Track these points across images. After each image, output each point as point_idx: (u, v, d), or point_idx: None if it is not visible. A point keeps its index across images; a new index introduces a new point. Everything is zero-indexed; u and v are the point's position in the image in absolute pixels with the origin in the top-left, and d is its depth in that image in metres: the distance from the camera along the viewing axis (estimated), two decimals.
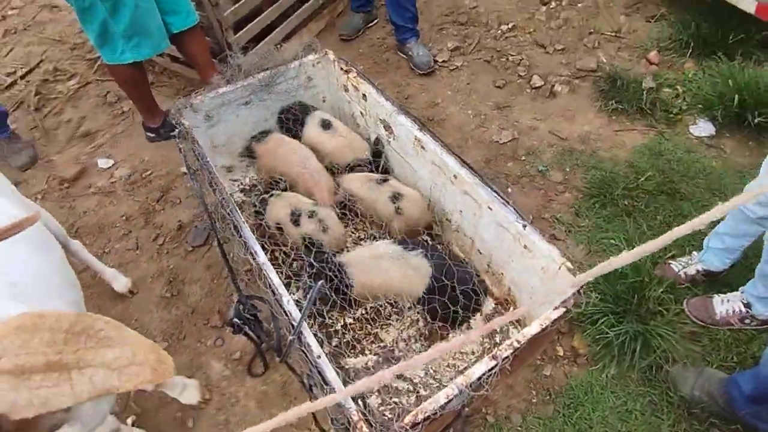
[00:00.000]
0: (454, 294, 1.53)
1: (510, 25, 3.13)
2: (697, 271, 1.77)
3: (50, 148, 2.72)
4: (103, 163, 2.58)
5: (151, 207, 2.34)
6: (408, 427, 1.08)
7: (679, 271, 1.79)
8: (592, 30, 3.03)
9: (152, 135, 2.61)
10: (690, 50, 2.69)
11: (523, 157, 2.37)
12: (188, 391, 1.66)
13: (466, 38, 3.10)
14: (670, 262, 1.83)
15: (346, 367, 1.69)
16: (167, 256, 2.14)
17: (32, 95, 2.99)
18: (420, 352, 1.68)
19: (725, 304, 1.64)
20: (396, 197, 1.78)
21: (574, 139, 2.42)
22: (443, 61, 2.96)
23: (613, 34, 2.98)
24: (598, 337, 1.64)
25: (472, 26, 3.18)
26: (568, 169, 2.28)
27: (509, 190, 2.23)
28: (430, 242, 1.89)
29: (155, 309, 1.97)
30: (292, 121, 2.02)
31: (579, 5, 3.24)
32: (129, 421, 1.67)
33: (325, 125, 1.99)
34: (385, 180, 1.85)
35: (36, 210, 1.57)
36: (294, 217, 1.74)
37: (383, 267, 1.58)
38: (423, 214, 1.82)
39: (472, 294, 1.55)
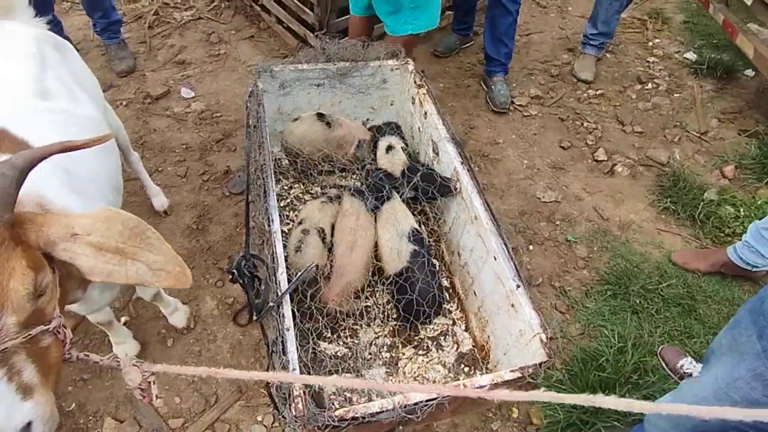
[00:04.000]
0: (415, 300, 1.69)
1: (598, 92, 3.11)
2: (691, 375, 1.74)
3: (148, 64, 3.01)
4: (185, 92, 2.84)
5: (209, 145, 2.56)
6: (335, 420, 1.17)
7: (681, 363, 1.78)
8: (677, 123, 2.95)
9: None
10: None
11: (558, 222, 2.38)
12: (178, 314, 1.84)
13: (551, 90, 3.11)
14: (684, 354, 1.83)
15: (318, 349, 1.81)
16: (206, 192, 2.34)
17: (151, 14, 3.31)
18: (384, 363, 1.77)
19: None
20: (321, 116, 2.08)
21: (614, 222, 2.40)
22: (520, 105, 2.99)
23: (698, 135, 2.90)
24: (550, 413, 1.66)
25: (560, 81, 3.19)
26: (595, 249, 2.27)
27: (530, 247, 2.26)
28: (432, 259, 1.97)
29: (179, 235, 2.17)
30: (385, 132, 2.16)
31: (675, 95, 3.17)
32: (122, 319, 1.87)
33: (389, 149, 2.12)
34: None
35: (113, 121, 1.79)
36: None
37: (388, 223, 1.83)
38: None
39: (426, 305, 1.71)
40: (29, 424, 0.68)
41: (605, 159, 2.69)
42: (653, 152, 2.75)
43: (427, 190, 1.87)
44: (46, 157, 0.79)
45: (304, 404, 1.18)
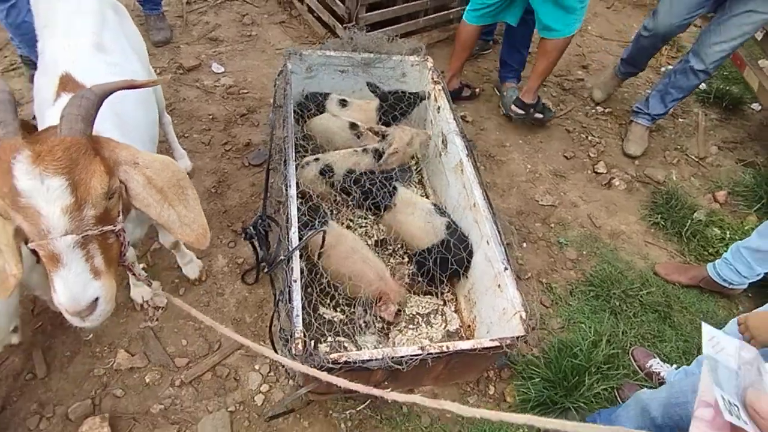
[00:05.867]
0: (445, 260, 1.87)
1: (606, 110, 3.24)
2: (657, 374, 1.89)
3: (183, 38, 3.18)
4: (215, 67, 3.00)
5: (234, 118, 2.72)
6: (330, 361, 1.32)
7: (650, 363, 1.92)
8: (678, 147, 3.09)
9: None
10: (760, 205, 2.71)
11: (552, 225, 2.52)
12: (191, 266, 1.99)
13: (561, 103, 3.25)
14: (653, 355, 1.97)
15: (318, 312, 1.96)
16: (227, 161, 2.50)
17: None
18: (376, 331, 1.92)
19: None
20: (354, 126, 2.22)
21: (605, 230, 2.54)
22: None
23: (697, 159, 3.03)
24: (523, 390, 1.80)
25: (572, 95, 3.33)
26: (584, 253, 2.41)
27: (523, 245, 2.40)
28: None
29: (199, 196, 2.32)
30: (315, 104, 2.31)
31: (680, 120, 3.30)
32: (140, 267, 2.03)
33: (342, 103, 2.31)
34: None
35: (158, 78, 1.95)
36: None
37: (412, 213, 1.98)
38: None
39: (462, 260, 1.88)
40: (96, 299, 0.84)
41: (604, 172, 2.83)
42: (651, 171, 2.88)
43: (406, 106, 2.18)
44: (116, 90, 0.95)
45: (304, 345, 1.33)
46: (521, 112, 2.89)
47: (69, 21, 1.43)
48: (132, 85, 0.97)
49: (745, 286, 2.23)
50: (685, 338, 2.11)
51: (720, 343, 0.61)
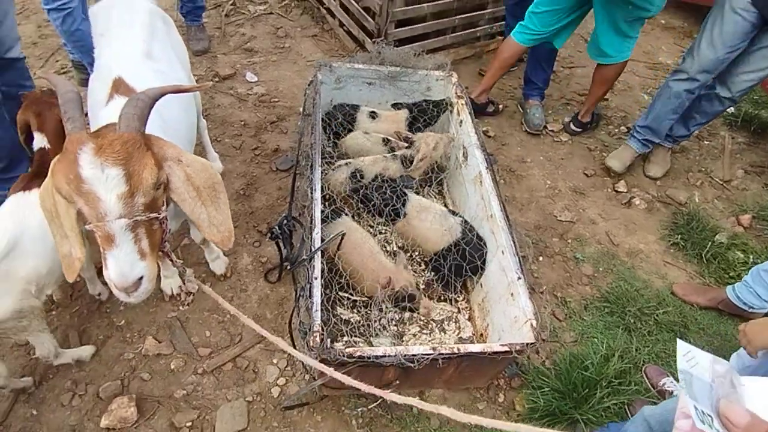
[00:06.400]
0: (460, 263, 1.94)
1: (629, 129, 3.25)
2: (671, 392, 1.88)
3: (220, 48, 3.35)
4: (249, 76, 3.15)
5: (264, 125, 2.85)
6: (345, 355, 1.39)
7: (663, 381, 1.92)
8: (702, 169, 3.07)
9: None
10: None
11: (569, 240, 2.55)
12: (218, 262, 2.10)
13: None
14: (668, 374, 1.97)
15: (336, 312, 2.04)
16: (256, 165, 2.62)
17: (229, 4, 3.67)
18: (391, 335, 1.98)
19: None
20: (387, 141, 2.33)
21: (623, 248, 2.55)
22: (552, 131, 3.18)
23: (722, 182, 3.01)
24: (532, 400, 1.82)
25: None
26: (601, 269, 2.42)
27: (540, 258, 2.43)
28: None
29: (228, 197, 2.45)
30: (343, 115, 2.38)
31: (706, 142, 3.29)
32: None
33: (372, 116, 2.41)
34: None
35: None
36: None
37: (426, 218, 2.05)
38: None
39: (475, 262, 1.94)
40: (141, 278, 0.95)
41: (625, 191, 2.84)
42: (673, 192, 2.88)
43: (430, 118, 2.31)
44: (167, 93, 1.06)
45: (321, 339, 1.41)
46: (579, 130, 3.16)
47: (123, 31, 1.57)
48: (179, 89, 1.09)
49: (766, 310, 2.20)
50: None
51: (694, 358, 0.65)
